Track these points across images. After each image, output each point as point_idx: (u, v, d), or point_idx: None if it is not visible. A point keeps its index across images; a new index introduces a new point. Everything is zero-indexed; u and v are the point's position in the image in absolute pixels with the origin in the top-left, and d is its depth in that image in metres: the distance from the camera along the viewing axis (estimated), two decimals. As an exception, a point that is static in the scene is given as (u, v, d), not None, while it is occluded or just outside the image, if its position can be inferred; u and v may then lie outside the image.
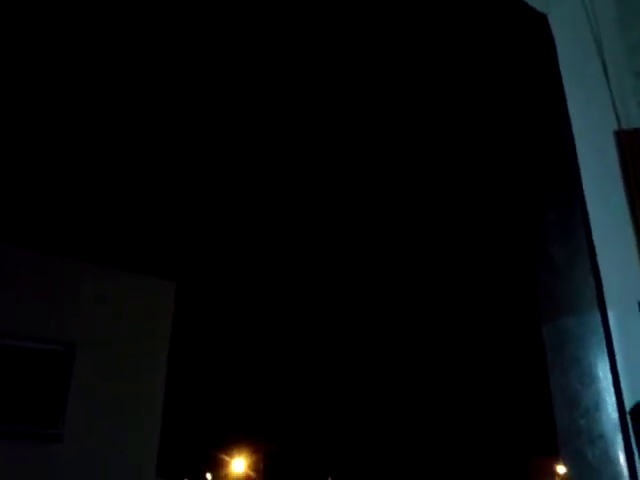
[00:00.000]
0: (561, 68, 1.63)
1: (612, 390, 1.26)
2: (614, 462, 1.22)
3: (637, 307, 1.28)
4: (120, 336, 6.85)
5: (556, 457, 37.29)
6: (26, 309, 6.37)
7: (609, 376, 1.27)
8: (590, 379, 1.31)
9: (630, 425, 1.21)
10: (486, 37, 1.66)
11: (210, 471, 44.90)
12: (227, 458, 41.76)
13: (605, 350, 1.30)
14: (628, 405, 1.22)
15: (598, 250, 1.47)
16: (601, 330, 1.34)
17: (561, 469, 38.66)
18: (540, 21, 1.67)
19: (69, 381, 6.43)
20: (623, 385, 1.25)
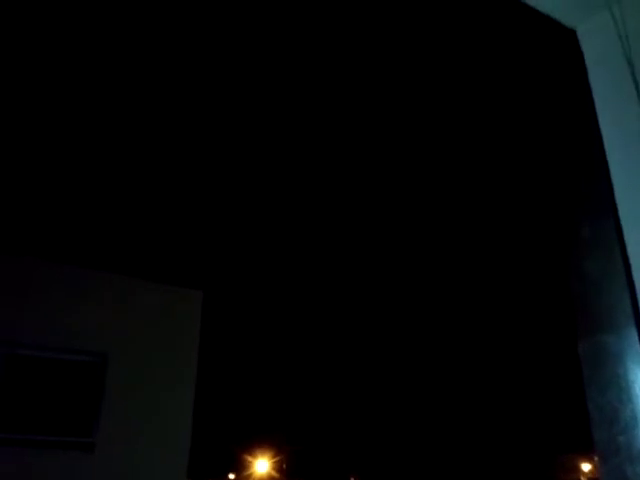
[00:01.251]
0: (591, 83, 1.64)
1: (652, 408, 1.27)
2: (655, 480, 1.23)
3: (675, 325, 1.29)
4: (150, 345, 6.95)
5: (581, 455, 36.84)
6: (59, 322, 6.50)
7: (649, 394, 1.28)
8: (628, 396, 1.32)
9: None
10: (514, 55, 1.67)
11: (233, 472, 45.09)
12: (250, 459, 41.91)
13: (644, 367, 1.31)
14: (669, 424, 1.23)
15: (633, 264, 1.48)
16: (638, 346, 1.35)
17: (586, 467, 38.19)
18: (569, 37, 1.67)
19: (102, 391, 6.53)
20: (663, 403, 1.26)
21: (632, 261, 1.46)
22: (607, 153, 1.61)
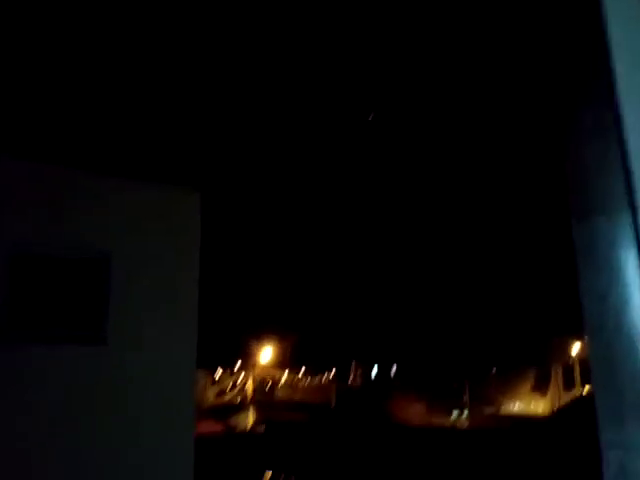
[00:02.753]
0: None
1: (641, 288, 1.32)
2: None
3: (668, 208, 1.31)
4: (152, 242, 7.10)
5: (572, 337, 38.39)
6: (62, 222, 6.59)
7: (638, 275, 1.32)
8: (619, 278, 1.37)
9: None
10: None
11: (240, 360, 47.18)
12: (255, 347, 43.76)
13: (635, 250, 1.35)
14: (655, 301, 1.29)
15: (631, 149, 1.48)
16: (632, 231, 1.38)
17: (576, 348, 39.96)
18: None
19: (108, 287, 6.74)
20: (651, 282, 1.31)
21: (630, 146, 1.47)
22: (608, 34, 1.57)
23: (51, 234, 6.56)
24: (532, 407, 39.01)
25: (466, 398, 38.24)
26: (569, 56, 1.64)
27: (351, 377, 48.77)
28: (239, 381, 44.51)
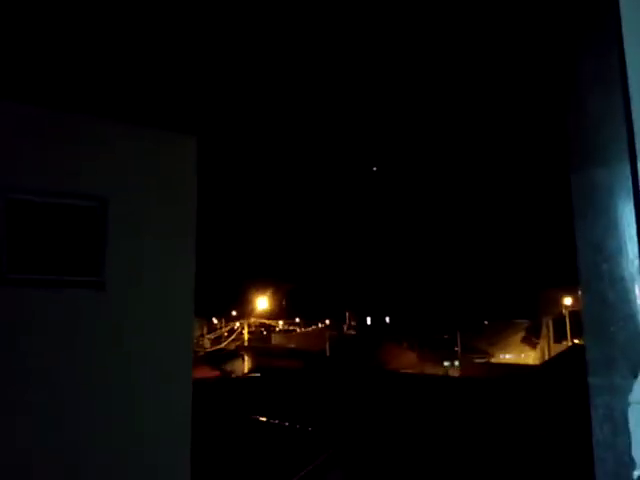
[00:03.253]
0: None
1: (636, 238, 1.34)
2: (632, 301, 1.33)
3: (668, 159, 1.31)
4: (149, 188, 7.06)
5: (563, 289, 38.87)
6: (58, 167, 6.54)
7: (634, 226, 1.34)
8: (615, 228, 1.38)
9: (650, 269, 1.30)
10: None
11: (235, 309, 47.75)
12: (251, 297, 44.22)
13: (632, 201, 1.36)
14: (650, 251, 1.30)
15: (633, 102, 1.47)
16: (630, 181, 1.38)
17: (567, 301, 40.53)
18: None
19: (105, 234, 6.74)
20: (647, 233, 1.33)
21: (632, 97, 1.46)
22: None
23: (48, 180, 6.52)
24: (522, 358, 39.78)
25: (457, 348, 38.92)
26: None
27: (345, 326, 49.45)
28: (235, 329, 45.12)
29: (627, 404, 1.13)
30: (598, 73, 1.53)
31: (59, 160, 6.58)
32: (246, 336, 43.64)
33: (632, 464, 1.14)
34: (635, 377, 1.16)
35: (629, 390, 1.14)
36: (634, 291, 1.33)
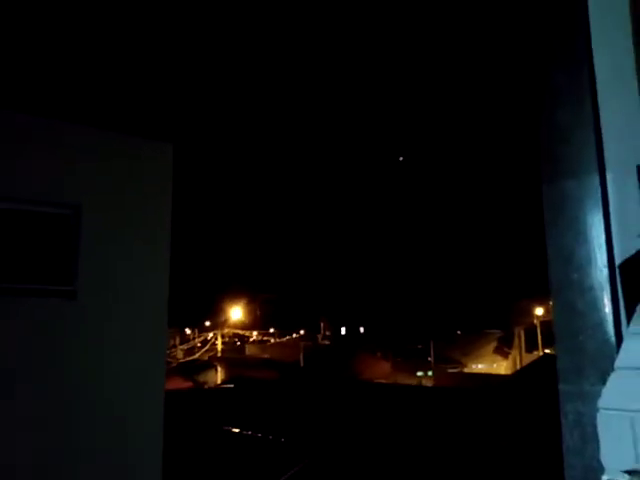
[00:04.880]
0: None
1: (604, 248, 1.38)
2: (601, 310, 1.36)
3: (635, 171, 1.35)
4: (124, 197, 7.00)
5: (535, 300, 39.37)
6: (30, 174, 6.44)
7: (603, 235, 1.37)
8: (585, 238, 1.42)
9: (618, 278, 1.34)
10: None
11: (209, 319, 47.31)
12: (225, 307, 43.89)
13: (601, 211, 1.40)
14: (618, 261, 1.34)
15: (602, 115, 1.51)
16: (599, 192, 1.42)
17: (539, 311, 41.06)
18: None
19: (77, 242, 6.66)
20: (615, 243, 1.36)
21: (601, 111, 1.50)
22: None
23: (20, 187, 6.42)
24: (495, 368, 40.18)
25: (431, 358, 39.13)
26: (545, 13, 1.66)
27: (320, 337, 49.44)
28: (208, 339, 44.75)
29: (596, 410, 1.16)
30: (568, 88, 1.57)
31: (32, 167, 6.49)
32: (220, 347, 43.28)
33: (600, 469, 1.17)
34: (604, 383, 1.19)
35: (597, 396, 1.17)
36: (603, 300, 1.37)
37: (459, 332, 44.54)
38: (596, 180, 1.45)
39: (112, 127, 6.85)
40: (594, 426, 1.23)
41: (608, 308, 1.35)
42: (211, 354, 42.57)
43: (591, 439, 1.31)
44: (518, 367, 36.49)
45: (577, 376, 1.39)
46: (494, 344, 42.40)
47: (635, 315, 1.25)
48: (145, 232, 7.19)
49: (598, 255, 1.40)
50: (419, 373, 38.47)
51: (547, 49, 1.69)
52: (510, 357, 40.67)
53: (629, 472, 1.10)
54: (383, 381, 33.34)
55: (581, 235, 1.45)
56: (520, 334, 39.99)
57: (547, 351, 35.23)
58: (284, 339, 47.94)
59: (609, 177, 1.43)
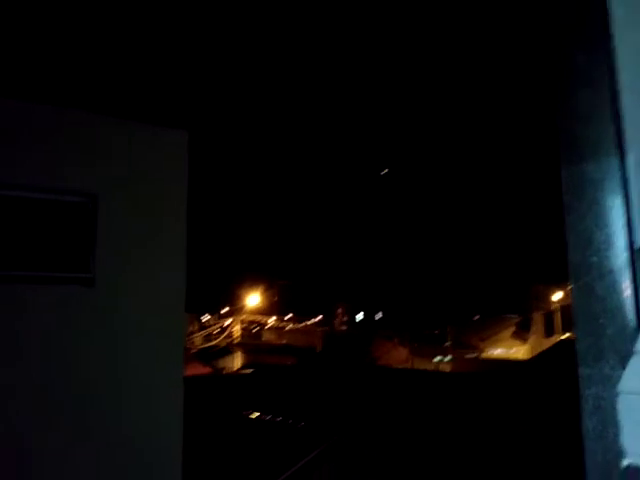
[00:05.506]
0: None
1: (624, 231, 1.36)
2: (620, 293, 1.35)
3: (656, 153, 1.33)
4: (139, 184, 7.04)
5: (553, 285, 39.08)
6: (47, 163, 6.50)
7: (623, 218, 1.36)
8: (604, 221, 1.40)
9: (638, 261, 1.32)
10: None
11: (227, 306, 47.61)
12: (244, 292, 44.13)
13: (621, 194, 1.38)
14: (638, 244, 1.32)
15: (622, 95, 1.49)
16: (619, 175, 1.40)
17: (557, 295, 40.76)
18: None
19: (95, 230, 6.72)
20: (635, 226, 1.35)
21: (621, 92, 1.47)
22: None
23: (37, 176, 6.48)
24: (513, 353, 40.00)
25: (448, 344, 39.05)
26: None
27: (337, 323, 49.51)
28: (226, 326, 45.04)
29: (616, 394, 1.15)
30: (587, 69, 1.54)
31: (49, 156, 6.54)
32: (237, 333, 43.56)
33: (621, 453, 1.16)
34: (624, 367, 1.18)
35: (618, 380, 1.16)
36: (622, 283, 1.35)
37: (476, 317, 44.39)
38: (616, 162, 1.43)
39: (128, 115, 6.88)
40: (614, 410, 1.22)
41: (628, 291, 1.34)
42: (229, 340, 42.87)
43: (611, 423, 1.31)
44: (537, 352, 36.31)
45: (597, 360, 1.38)
46: (512, 329, 42.18)
47: (656, 298, 1.24)
48: (161, 220, 7.23)
49: (618, 238, 1.38)
50: (436, 358, 38.44)
51: (565, 27, 1.66)
52: (528, 342, 40.46)
53: (650, 456, 1.10)
54: (400, 367, 33.37)
55: (600, 218, 1.43)
56: (538, 319, 39.74)
57: (566, 336, 34.99)
58: (301, 325, 48.12)
59: (629, 159, 1.41)
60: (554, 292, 40.63)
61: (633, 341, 1.23)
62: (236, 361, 37.16)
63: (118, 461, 6.54)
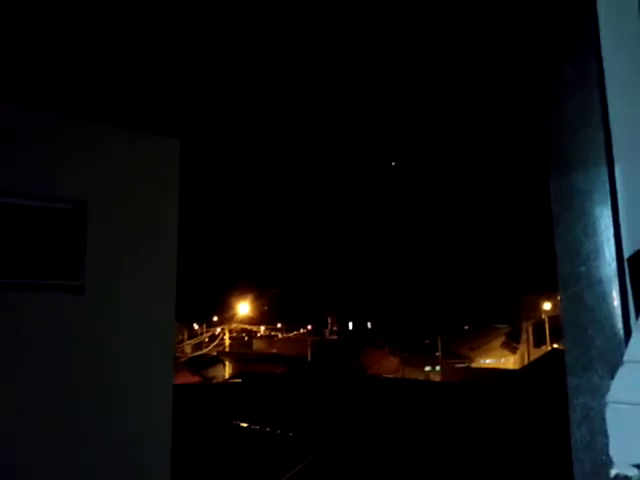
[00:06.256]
0: None
1: (613, 240, 1.37)
2: (609, 303, 1.35)
3: (644, 163, 1.34)
4: (130, 192, 7.02)
5: (543, 295, 39.25)
6: (37, 170, 6.47)
7: (611, 228, 1.36)
8: (593, 231, 1.41)
9: (627, 270, 1.33)
10: None
11: (217, 314, 47.45)
12: (233, 302, 43.98)
13: (609, 204, 1.38)
14: (627, 254, 1.33)
15: (610, 106, 1.50)
16: (607, 185, 1.41)
17: (547, 306, 40.94)
18: None
19: (85, 237, 6.68)
20: (623, 236, 1.35)
21: (610, 103, 1.48)
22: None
23: (27, 183, 6.44)
24: (502, 363, 40.08)
25: (438, 353, 39.08)
26: (553, 6, 1.64)
27: (327, 332, 49.46)
28: (216, 334, 44.85)
29: (605, 404, 1.15)
30: (576, 80, 1.56)
31: (39, 162, 6.51)
32: (227, 342, 43.40)
33: (609, 463, 1.16)
34: (612, 377, 1.18)
35: (606, 390, 1.16)
36: (611, 293, 1.35)
37: (466, 327, 44.46)
38: (604, 172, 1.43)
39: (119, 122, 6.87)
40: (603, 420, 1.22)
41: (617, 301, 1.34)
42: (219, 349, 42.69)
43: (600, 433, 1.31)
44: (526, 362, 36.39)
45: (586, 370, 1.38)
46: (502, 339, 42.28)
47: (644, 308, 1.24)
48: (152, 227, 7.21)
49: (606, 248, 1.39)
50: (427, 368, 38.43)
51: (554, 40, 1.68)
52: (518, 352, 40.56)
53: (639, 466, 1.10)
54: (391, 376, 33.34)
55: (589, 228, 1.44)
56: (528, 329, 39.88)
57: (555, 346, 35.10)
58: (291, 334, 48.00)
59: (618, 169, 1.42)
60: (544, 302, 40.82)
61: (622, 351, 1.23)
62: (226, 370, 36.98)
63: (109, 465, 6.49)
